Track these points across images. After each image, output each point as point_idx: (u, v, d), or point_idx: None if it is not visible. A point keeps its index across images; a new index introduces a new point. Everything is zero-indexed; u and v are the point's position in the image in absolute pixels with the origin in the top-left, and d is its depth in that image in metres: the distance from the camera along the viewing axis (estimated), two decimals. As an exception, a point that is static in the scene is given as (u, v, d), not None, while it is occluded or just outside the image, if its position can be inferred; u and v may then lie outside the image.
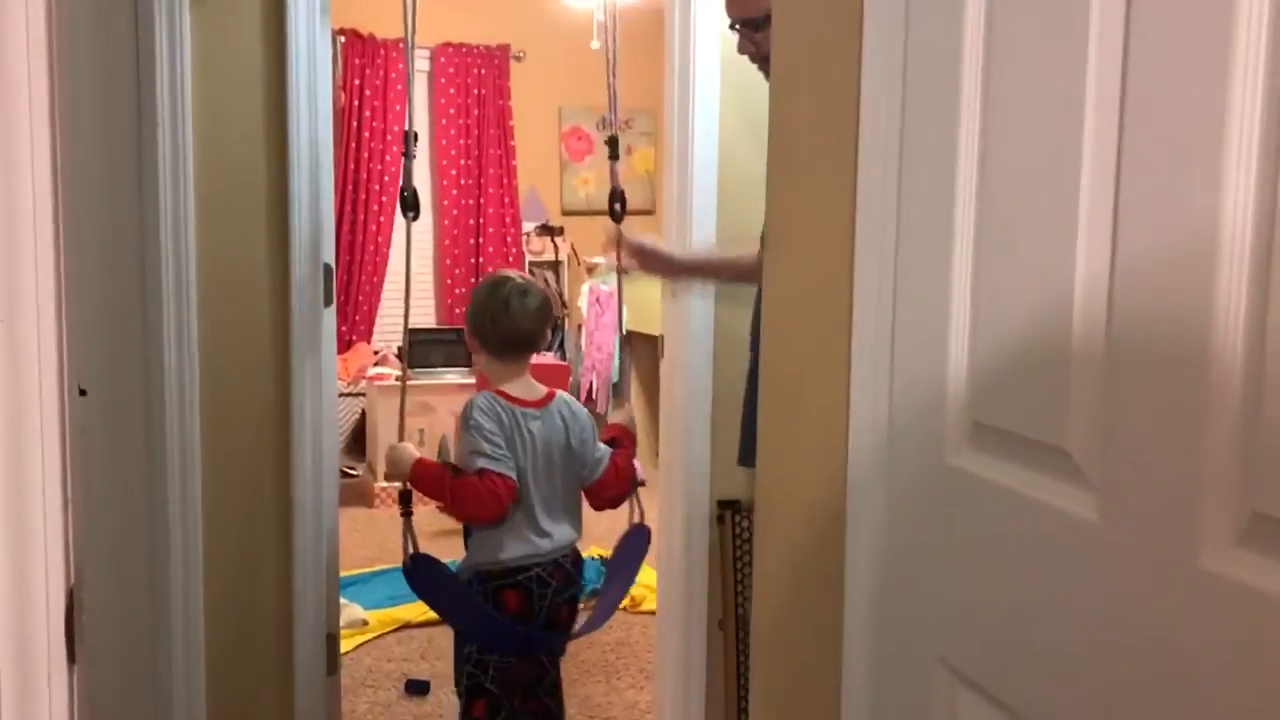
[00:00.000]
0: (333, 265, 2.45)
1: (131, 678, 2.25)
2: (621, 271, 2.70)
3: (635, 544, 2.57)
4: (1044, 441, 1.01)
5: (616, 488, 2.50)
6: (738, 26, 2.21)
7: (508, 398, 2.34)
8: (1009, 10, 1.05)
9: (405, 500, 2.40)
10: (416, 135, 2.37)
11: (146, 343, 2.23)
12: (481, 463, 2.25)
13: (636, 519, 2.59)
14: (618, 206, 2.64)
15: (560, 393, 2.46)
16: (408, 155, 2.38)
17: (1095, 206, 0.93)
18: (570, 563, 2.41)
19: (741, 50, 2.23)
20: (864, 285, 1.28)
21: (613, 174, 2.71)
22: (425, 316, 6.69)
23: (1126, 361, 0.91)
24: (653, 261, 2.55)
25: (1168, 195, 0.85)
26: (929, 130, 1.17)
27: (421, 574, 2.36)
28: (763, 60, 1.98)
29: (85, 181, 2.13)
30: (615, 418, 2.68)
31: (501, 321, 2.37)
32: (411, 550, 2.34)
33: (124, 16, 2.16)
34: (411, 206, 2.40)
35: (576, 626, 2.51)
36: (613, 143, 2.75)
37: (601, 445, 2.48)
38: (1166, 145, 0.85)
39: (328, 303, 2.42)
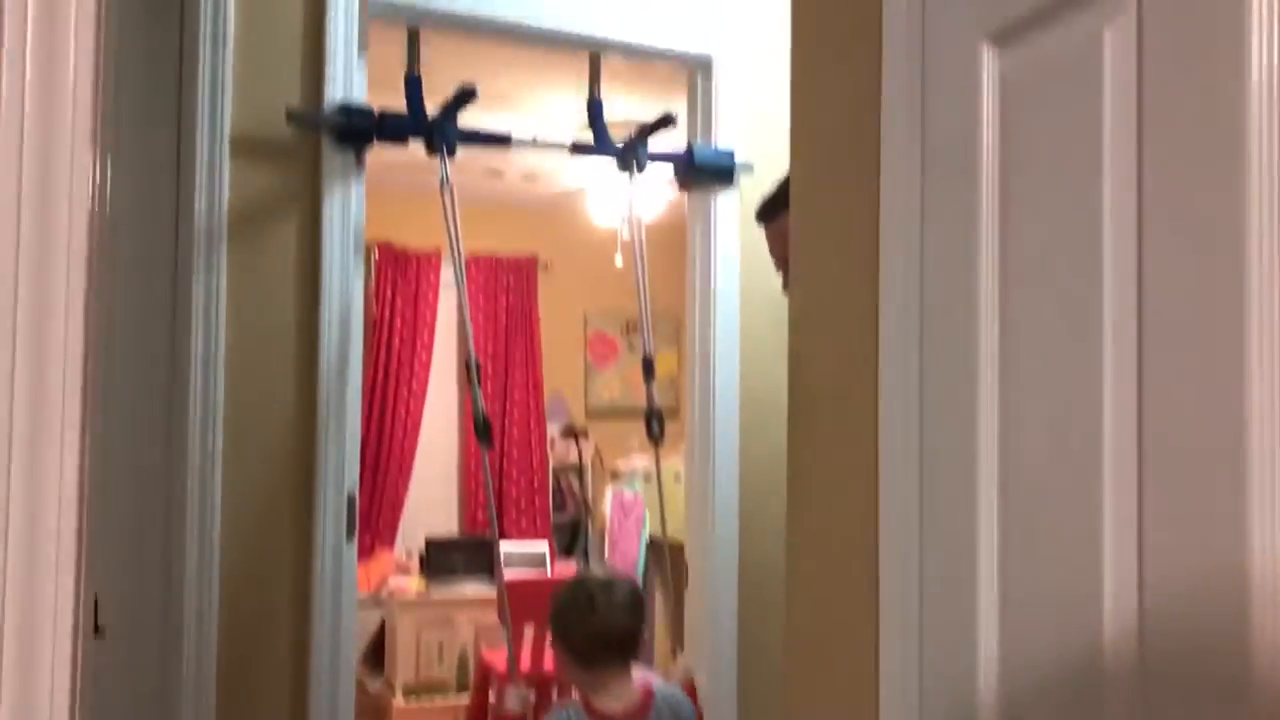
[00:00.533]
0: (356, 495, 2.44)
1: None
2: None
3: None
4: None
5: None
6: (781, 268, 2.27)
7: (593, 712, 2.05)
8: (1020, 348, 1.05)
9: None
10: (479, 365, 2.40)
11: (169, 580, 2.21)
12: None
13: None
14: (655, 425, 2.68)
15: (659, 689, 2.15)
16: (474, 384, 2.42)
17: (1120, 530, 0.91)
18: None
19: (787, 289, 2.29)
20: (890, 579, 1.25)
21: (649, 395, 2.76)
22: (448, 524, 6.64)
23: (1161, 688, 0.86)
24: None
25: (1194, 524, 0.83)
26: (949, 437, 1.16)
27: None
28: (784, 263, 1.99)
29: (117, 413, 2.17)
30: (675, 674, 2.49)
31: (588, 621, 2.06)
32: None
33: (165, 251, 2.24)
34: (484, 435, 2.39)
35: None
36: (648, 365, 2.80)
37: None
38: (1189, 486, 0.83)
39: (350, 536, 2.40)
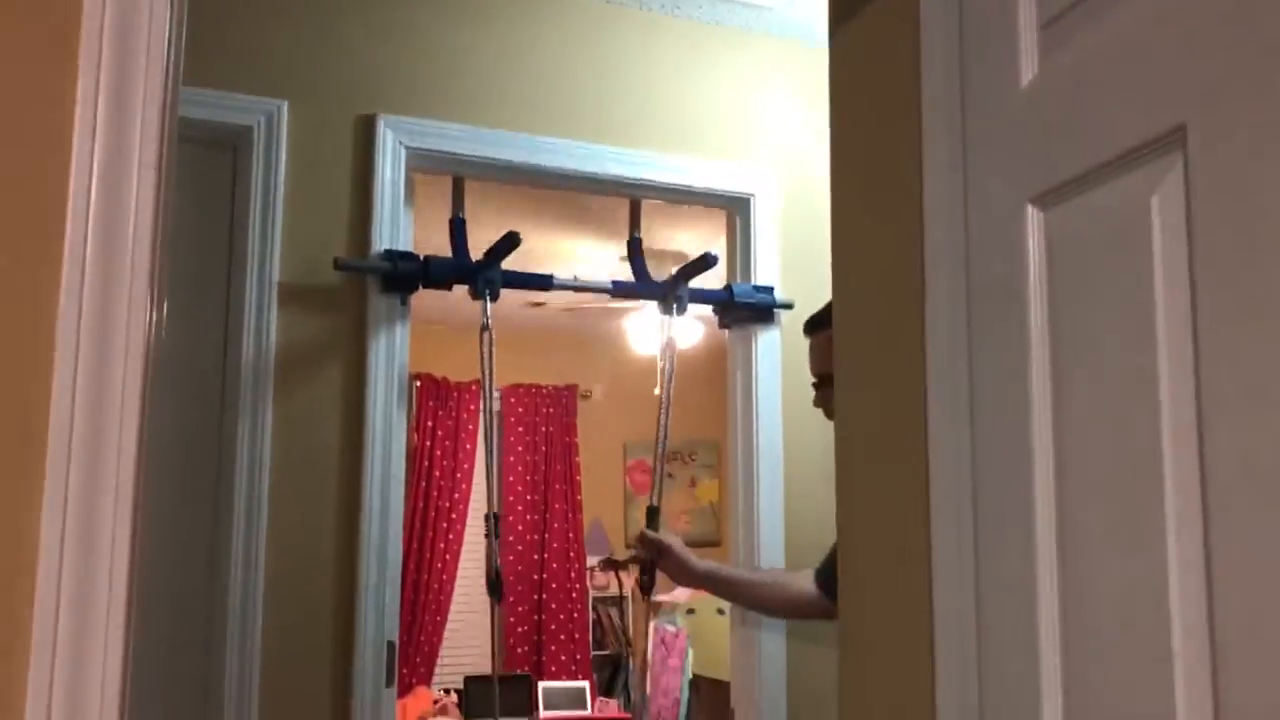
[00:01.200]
0: (395, 642, 2.41)
1: None
2: (638, 562, 2.60)
3: None
4: None
5: None
6: (815, 383, 2.28)
7: None
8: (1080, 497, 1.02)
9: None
10: (498, 516, 2.40)
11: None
12: None
13: None
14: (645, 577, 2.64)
15: None
16: (491, 536, 2.42)
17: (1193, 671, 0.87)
18: None
19: (816, 404, 2.28)
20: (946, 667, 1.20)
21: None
22: (485, 660, 6.53)
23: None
24: (670, 562, 2.49)
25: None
26: (1006, 551, 1.12)
27: None
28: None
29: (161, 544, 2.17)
30: None
31: None
32: None
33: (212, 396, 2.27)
34: (495, 590, 2.39)
35: None
36: (651, 513, 2.74)
37: None
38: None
39: (389, 683, 2.36)
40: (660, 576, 2.64)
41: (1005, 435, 1.10)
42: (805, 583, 2.50)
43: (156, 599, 1.94)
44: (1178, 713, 0.87)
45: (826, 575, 2.47)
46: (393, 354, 2.42)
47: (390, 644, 2.36)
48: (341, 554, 2.32)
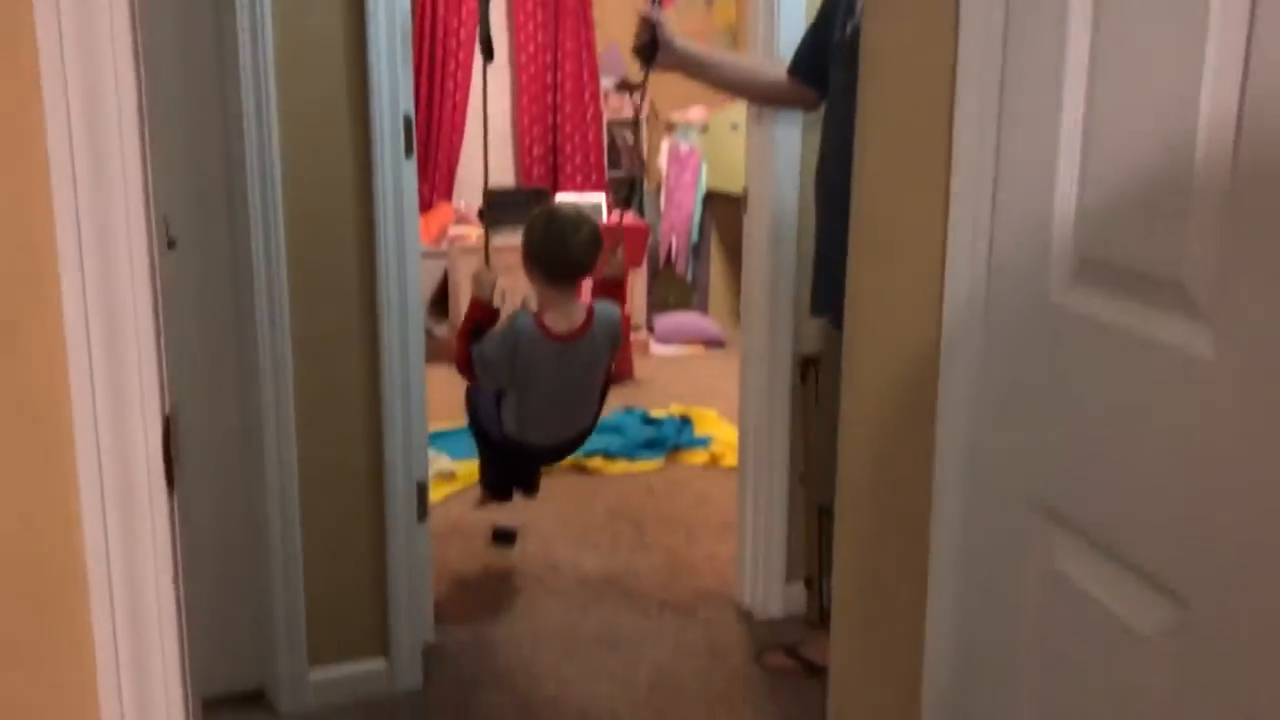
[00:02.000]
0: (413, 116, 2.42)
1: (228, 526, 2.34)
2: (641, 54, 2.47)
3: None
4: (1157, 275, 0.96)
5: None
6: None
7: (542, 328, 2.52)
8: None
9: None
10: None
11: (232, 199, 2.24)
12: (475, 352, 2.53)
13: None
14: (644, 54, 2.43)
15: (600, 311, 2.61)
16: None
17: (1227, 23, 0.86)
18: (570, 444, 2.79)
19: None
20: (966, 112, 1.21)
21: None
22: (504, 176, 6.65)
23: (1254, 189, 0.85)
24: (659, 43, 2.41)
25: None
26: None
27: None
28: None
29: (164, 33, 2.12)
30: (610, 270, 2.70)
31: (555, 252, 2.53)
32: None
33: None
34: (486, 51, 2.46)
35: None
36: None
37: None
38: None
39: (408, 154, 2.40)
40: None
41: None
42: (780, 69, 2.47)
43: (167, 87, 1.90)
44: (1207, 43, 0.87)
45: (798, 63, 2.43)
46: None
47: (406, 116, 2.38)
48: (350, 19, 2.25)
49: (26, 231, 0.93)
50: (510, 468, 2.97)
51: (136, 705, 1.02)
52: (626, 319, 2.76)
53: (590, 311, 2.59)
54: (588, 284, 2.73)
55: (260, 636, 2.39)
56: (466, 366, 2.57)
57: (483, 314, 2.57)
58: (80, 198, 0.92)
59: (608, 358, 2.68)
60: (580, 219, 2.58)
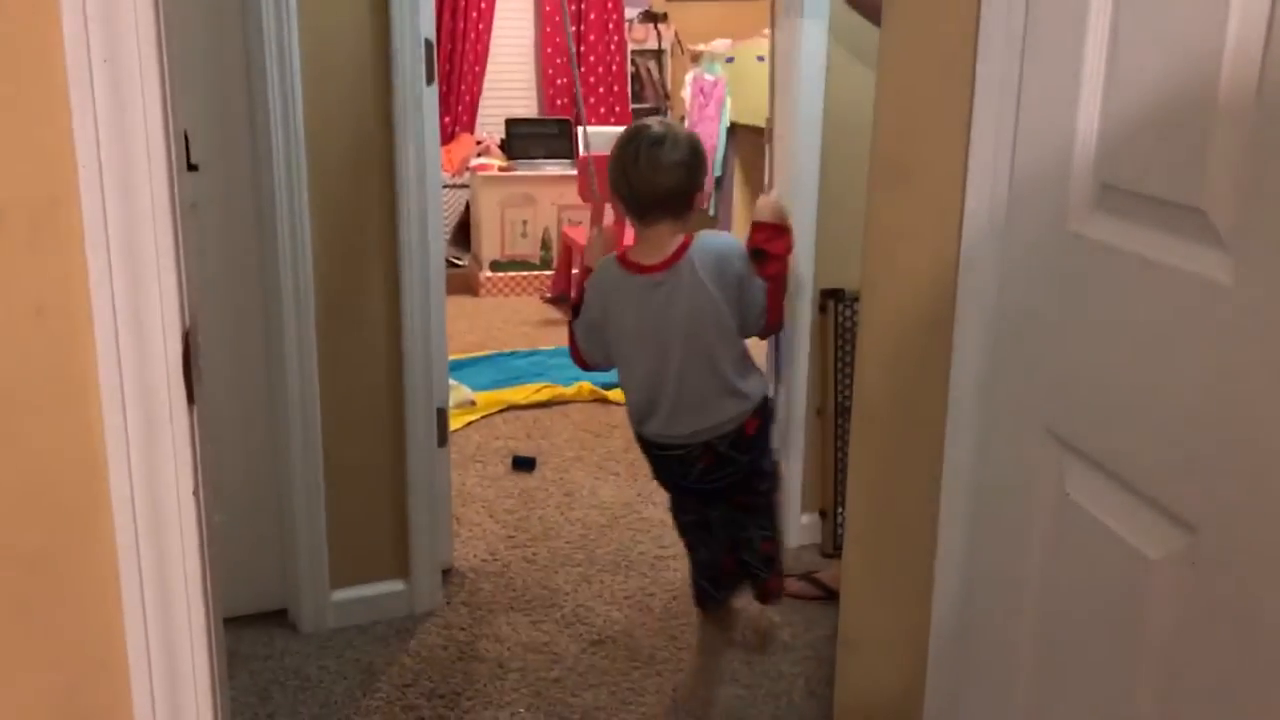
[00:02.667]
0: (434, 41, 2.40)
1: (251, 450, 2.37)
2: None
3: None
4: (1178, 202, 0.95)
5: (776, 316, 2.06)
6: None
7: (626, 264, 2.02)
8: None
9: None
10: None
11: (254, 123, 2.24)
12: (573, 322, 2.12)
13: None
14: None
15: (701, 238, 2.01)
16: None
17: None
18: (729, 444, 2.01)
19: None
20: (989, 39, 1.20)
21: None
22: (527, 107, 6.60)
23: (1278, 117, 0.83)
24: None
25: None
26: None
27: None
28: None
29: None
30: (762, 214, 2.11)
31: (631, 177, 1.97)
32: None
33: None
34: None
35: None
36: None
37: (758, 285, 2.00)
38: None
39: (430, 81, 2.38)
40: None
41: None
42: None
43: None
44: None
45: None
46: None
47: (427, 41, 2.36)
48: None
49: (45, 144, 0.93)
50: (687, 513, 2.21)
51: (159, 614, 1.04)
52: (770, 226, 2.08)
53: (686, 241, 1.99)
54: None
55: (283, 558, 2.44)
56: (571, 341, 2.13)
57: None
58: (99, 109, 0.93)
59: (724, 298, 1.97)
60: (666, 134, 2.01)
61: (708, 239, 2.03)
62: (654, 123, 2.05)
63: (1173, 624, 0.95)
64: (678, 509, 2.22)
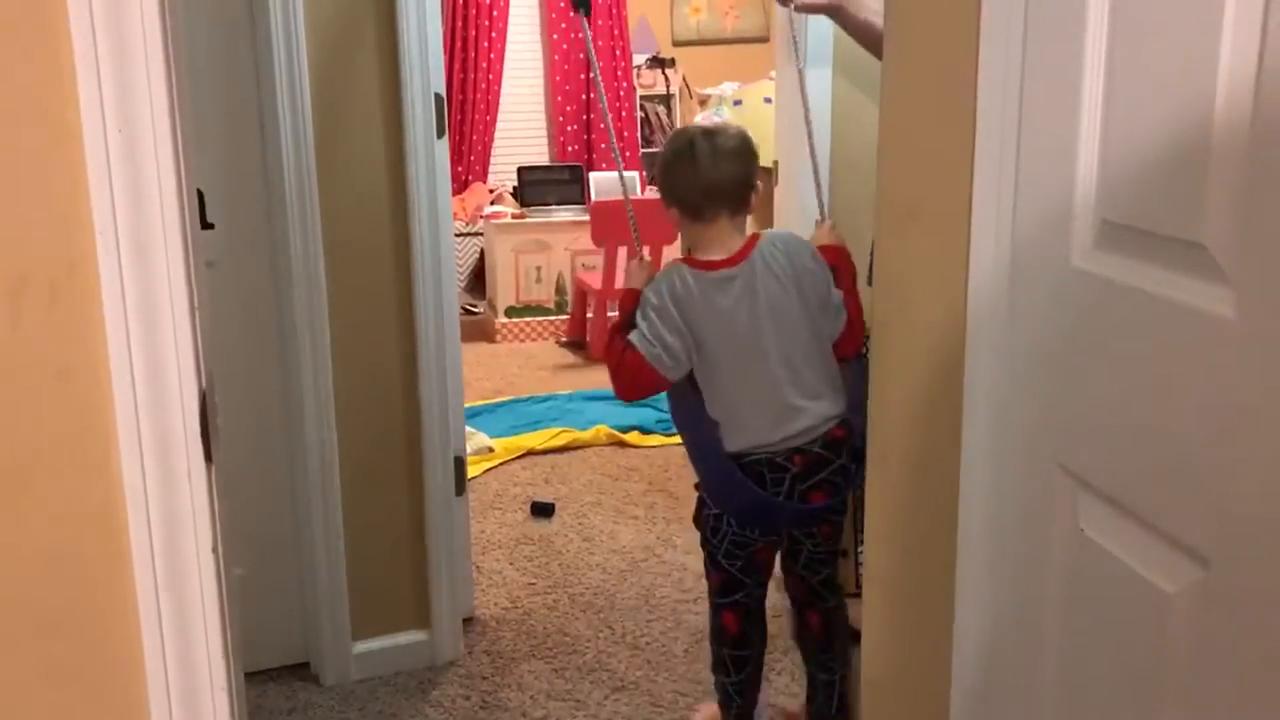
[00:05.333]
0: (444, 95, 2.44)
1: (271, 503, 2.39)
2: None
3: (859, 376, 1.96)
4: (1178, 237, 0.95)
5: (855, 339, 2.00)
6: None
7: (695, 264, 1.97)
8: None
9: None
10: None
11: (267, 179, 2.28)
12: (632, 337, 1.97)
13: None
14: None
15: (768, 233, 2.02)
16: None
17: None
18: (821, 444, 1.98)
19: None
20: (989, 79, 1.21)
21: None
22: (539, 154, 6.67)
23: (1274, 148, 0.84)
24: None
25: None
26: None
27: (675, 399, 2.07)
28: None
29: (196, 12, 2.15)
30: (822, 239, 2.08)
31: (687, 170, 1.96)
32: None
33: None
34: (582, 3, 2.22)
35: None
36: None
37: (835, 290, 2.01)
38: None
39: (440, 134, 2.42)
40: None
41: None
42: None
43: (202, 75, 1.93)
44: (1226, 8, 0.87)
45: None
46: None
47: (438, 95, 2.39)
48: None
49: (63, 211, 0.96)
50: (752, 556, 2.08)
51: (180, 671, 1.05)
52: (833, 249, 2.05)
53: (754, 237, 1.99)
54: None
55: (304, 611, 2.45)
56: (623, 363, 1.97)
57: (636, 303, 2.02)
58: (114, 176, 0.95)
59: (808, 285, 1.97)
60: (718, 128, 2.01)
61: (775, 233, 2.04)
62: (699, 122, 1.98)
63: (1193, 658, 0.95)
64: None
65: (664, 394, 2.07)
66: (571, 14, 2.38)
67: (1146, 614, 1.01)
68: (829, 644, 2.17)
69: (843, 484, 2.04)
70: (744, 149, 1.99)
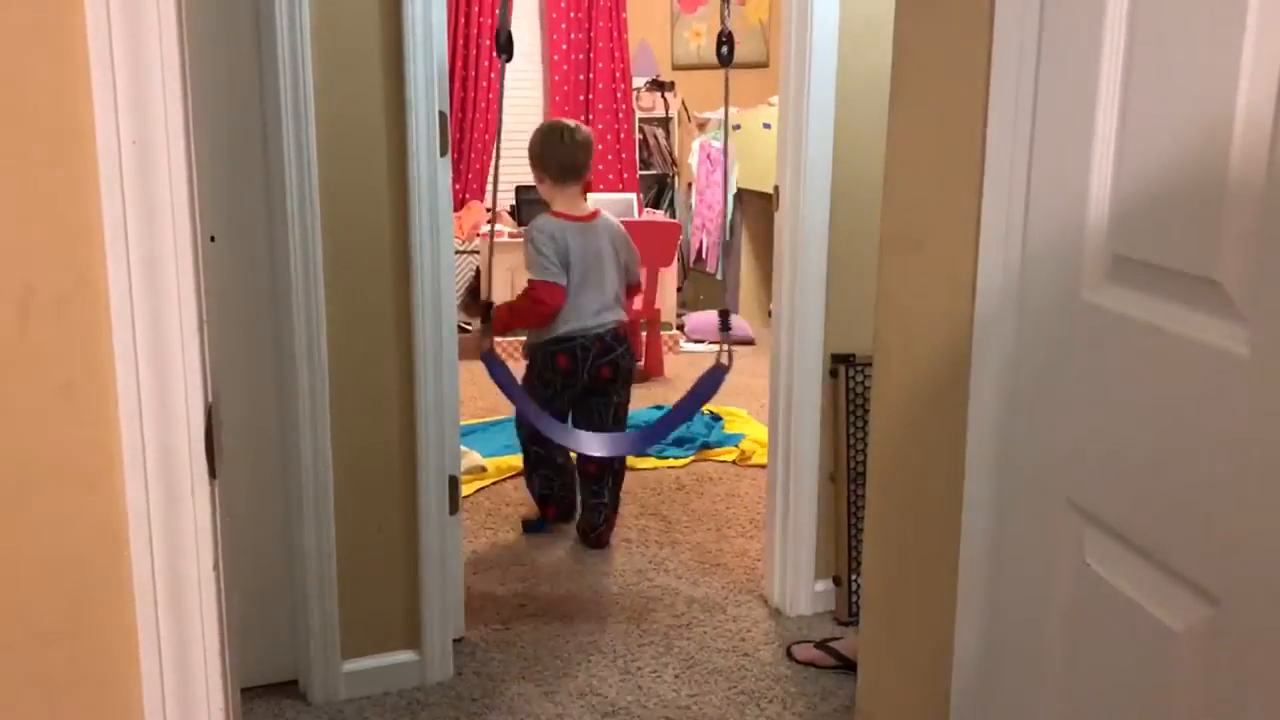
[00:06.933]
0: (448, 113, 2.44)
1: (263, 519, 2.37)
2: None
3: (709, 380, 2.63)
4: (1191, 273, 0.96)
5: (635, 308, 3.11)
6: None
7: (560, 215, 3.09)
8: None
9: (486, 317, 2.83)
10: None
11: (270, 195, 2.27)
12: (531, 275, 3.05)
13: (724, 360, 2.58)
14: (724, 50, 2.48)
15: (606, 214, 3.21)
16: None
17: (1264, 19, 0.86)
18: (610, 336, 3.13)
19: None
20: (1000, 111, 1.22)
21: (723, 14, 2.56)
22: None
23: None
24: None
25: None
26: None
27: (493, 365, 2.70)
28: None
29: (203, 28, 2.15)
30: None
31: (558, 153, 3.10)
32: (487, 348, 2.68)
33: None
34: (505, 49, 2.52)
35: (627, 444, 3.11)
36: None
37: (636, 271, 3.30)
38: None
39: (443, 152, 2.42)
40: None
41: None
42: None
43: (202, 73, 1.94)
44: (1244, 43, 0.87)
45: None
46: None
47: (441, 113, 2.40)
48: (386, 17, 2.28)
49: (74, 224, 0.95)
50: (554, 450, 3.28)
51: (177, 687, 1.04)
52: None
53: (597, 210, 3.17)
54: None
55: (294, 628, 2.42)
56: (535, 293, 3.05)
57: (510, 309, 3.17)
58: (126, 189, 0.95)
59: (619, 255, 3.15)
60: (574, 125, 3.18)
61: (608, 214, 3.22)
62: (564, 120, 3.24)
63: (1200, 698, 0.95)
64: None
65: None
66: (496, 55, 2.53)
67: (1153, 651, 1.00)
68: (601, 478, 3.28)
69: (621, 365, 3.19)
70: (589, 144, 3.16)
